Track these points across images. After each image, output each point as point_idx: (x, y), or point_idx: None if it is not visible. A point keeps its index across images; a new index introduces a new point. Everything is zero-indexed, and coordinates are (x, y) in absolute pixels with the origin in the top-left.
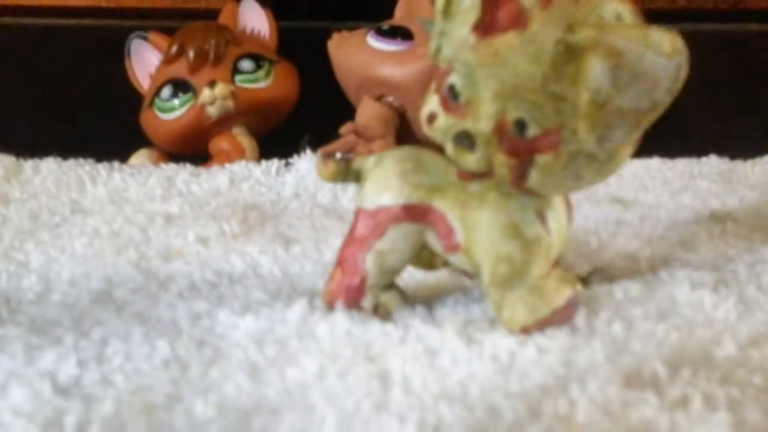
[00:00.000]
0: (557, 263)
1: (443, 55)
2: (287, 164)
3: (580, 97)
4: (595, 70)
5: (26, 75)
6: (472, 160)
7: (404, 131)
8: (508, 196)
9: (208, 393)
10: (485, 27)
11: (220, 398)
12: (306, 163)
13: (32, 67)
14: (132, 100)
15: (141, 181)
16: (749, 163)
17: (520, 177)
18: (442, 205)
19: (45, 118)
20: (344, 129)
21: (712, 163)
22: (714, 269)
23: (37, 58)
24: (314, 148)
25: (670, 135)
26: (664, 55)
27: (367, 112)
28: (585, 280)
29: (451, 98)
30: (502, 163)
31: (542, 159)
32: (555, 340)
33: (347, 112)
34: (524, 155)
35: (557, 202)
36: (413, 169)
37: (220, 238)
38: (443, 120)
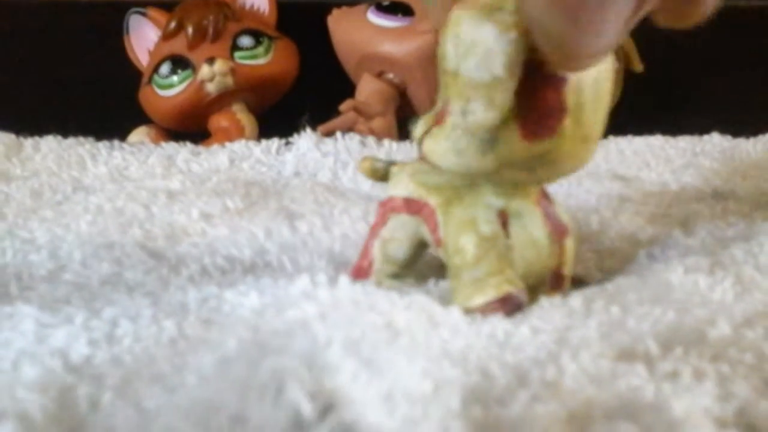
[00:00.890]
0: (543, 282)
1: None
2: (287, 143)
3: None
4: (445, 38)
5: (25, 52)
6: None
7: (404, 108)
8: (478, 195)
9: (214, 352)
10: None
11: (225, 353)
12: (306, 141)
13: (31, 44)
14: (131, 76)
15: (141, 159)
16: (751, 141)
17: (420, 143)
18: (435, 201)
19: (44, 95)
20: (344, 106)
21: (715, 140)
22: (711, 252)
23: (35, 35)
24: (314, 126)
25: (672, 113)
26: (498, 29)
27: (367, 89)
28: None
29: None
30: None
31: (434, 129)
32: (550, 323)
33: (347, 89)
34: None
35: (531, 215)
36: (425, 171)
37: (224, 215)
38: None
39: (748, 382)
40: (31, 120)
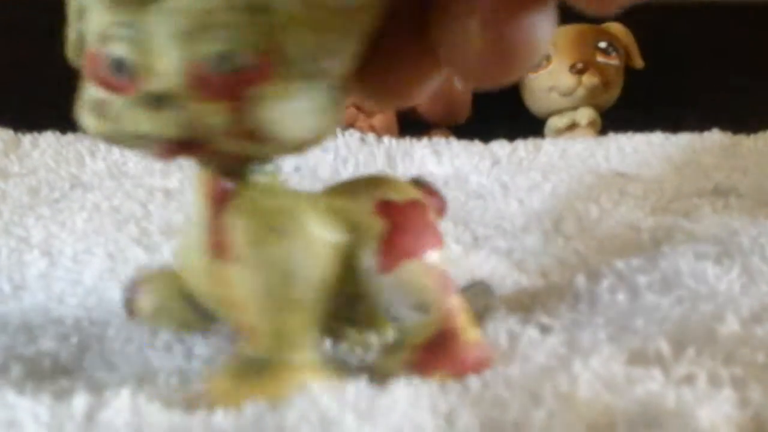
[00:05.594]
0: None
1: (91, 34)
2: None
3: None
4: None
5: (24, 47)
6: (167, 120)
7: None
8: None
9: None
10: None
11: None
12: None
13: (30, 39)
14: None
15: (140, 155)
16: (752, 137)
17: (238, 119)
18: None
19: (43, 91)
20: None
21: (715, 137)
22: (717, 241)
23: (34, 30)
24: None
25: (672, 109)
26: None
27: None
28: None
29: (118, 74)
30: (211, 111)
31: (261, 90)
32: (558, 319)
33: None
34: (236, 92)
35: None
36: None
37: None
38: (119, 102)
39: (761, 384)
40: (30, 116)
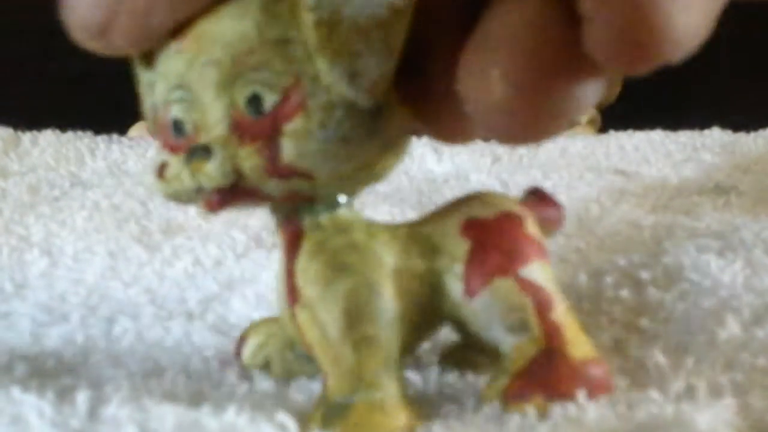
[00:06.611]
0: None
1: (159, 104)
2: None
3: (305, 25)
4: None
5: (24, 45)
6: (211, 169)
7: None
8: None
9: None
10: (177, 30)
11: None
12: None
13: (30, 38)
14: (131, 71)
15: (140, 153)
16: (752, 135)
17: (272, 157)
18: None
19: (43, 89)
20: None
21: (715, 135)
22: (719, 236)
23: (34, 28)
24: None
25: (672, 107)
26: None
27: None
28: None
29: (177, 135)
30: (248, 154)
31: (291, 125)
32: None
33: None
34: (270, 131)
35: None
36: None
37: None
38: (175, 162)
39: (763, 389)
40: (30, 114)
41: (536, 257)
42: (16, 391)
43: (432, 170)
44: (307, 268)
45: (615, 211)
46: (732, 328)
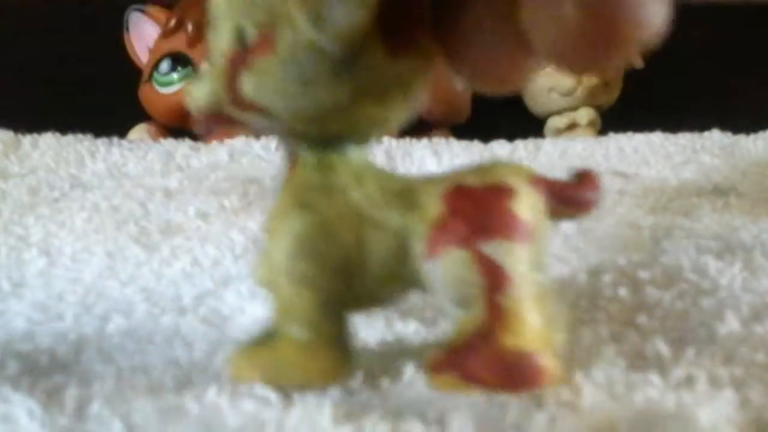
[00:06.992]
0: None
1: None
2: None
3: None
4: None
5: (24, 49)
6: (195, 93)
7: None
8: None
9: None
10: None
11: None
12: None
13: (30, 41)
14: (130, 74)
15: (140, 155)
16: (752, 137)
17: (234, 89)
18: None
19: (43, 93)
20: None
21: (714, 137)
22: (718, 237)
23: (35, 32)
24: None
25: (671, 109)
26: None
27: None
28: None
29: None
30: (222, 84)
31: (257, 62)
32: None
33: None
34: (241, 65)
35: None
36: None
37: (221, 213)
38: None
39: (762, 384)
40: (30, 117)
41: (506, 235)
42: (6, 390)
43: (432, 171)
44: (277, 199)
45: (614, 212)
46: (731, 323)
